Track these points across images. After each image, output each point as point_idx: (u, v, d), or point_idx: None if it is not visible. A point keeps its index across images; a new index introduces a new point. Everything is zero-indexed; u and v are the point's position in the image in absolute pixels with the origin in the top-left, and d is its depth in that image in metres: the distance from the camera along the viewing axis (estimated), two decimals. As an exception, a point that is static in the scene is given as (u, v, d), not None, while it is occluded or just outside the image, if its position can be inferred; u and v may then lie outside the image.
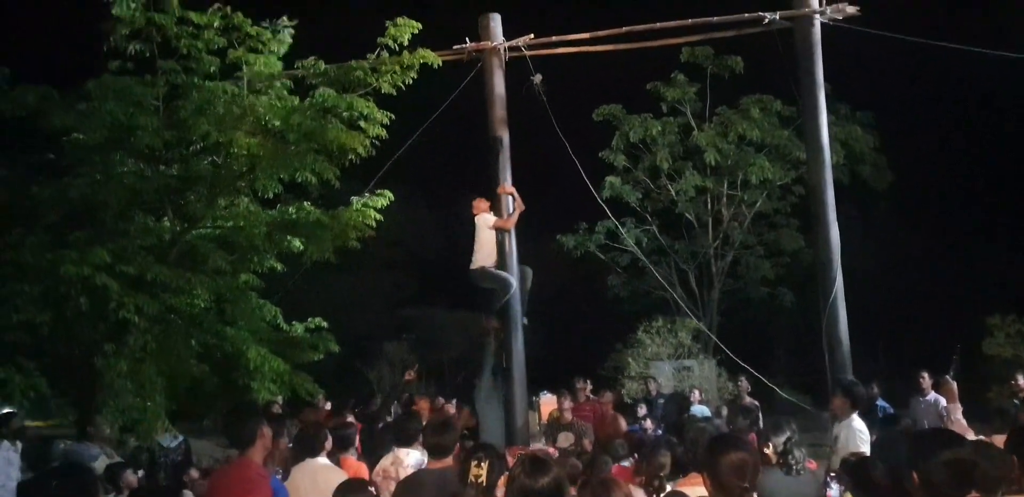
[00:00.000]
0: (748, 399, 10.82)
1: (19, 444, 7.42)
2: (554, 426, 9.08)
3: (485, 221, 8.64)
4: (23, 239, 8.38)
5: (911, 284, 20.31)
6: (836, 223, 8.31)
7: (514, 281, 8.50)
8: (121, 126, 8.68)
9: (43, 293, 8.14)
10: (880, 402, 9.12)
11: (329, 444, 5.49)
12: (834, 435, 5.75)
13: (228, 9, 9.03)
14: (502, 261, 8.62)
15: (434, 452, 4.75)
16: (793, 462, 4.44)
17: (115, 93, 8.62)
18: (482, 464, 3.90)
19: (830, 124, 8.69)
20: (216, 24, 9.02)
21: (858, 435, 5.42)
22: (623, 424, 9.70)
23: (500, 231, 8.63)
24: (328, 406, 10.48)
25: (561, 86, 9.45)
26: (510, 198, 8.84)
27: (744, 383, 11.21)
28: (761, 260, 20.05)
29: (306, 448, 5.40)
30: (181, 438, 8.97)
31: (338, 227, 9.35)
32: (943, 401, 7.77)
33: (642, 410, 10.49)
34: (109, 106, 8.56)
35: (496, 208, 8.79)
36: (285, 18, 9.27)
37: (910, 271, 20.54)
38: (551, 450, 7.64)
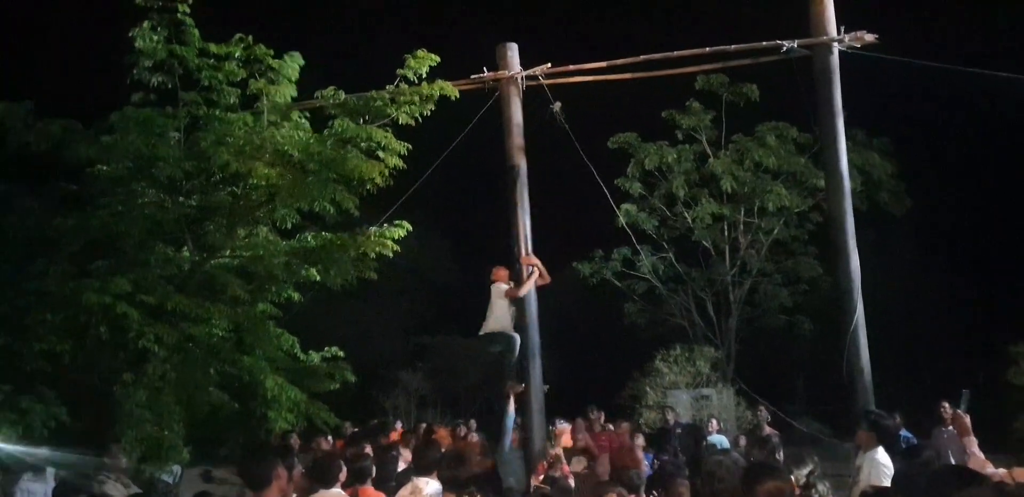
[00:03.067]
0: (768, 429, 10.68)
1: (49, 471, 7.39)
2: (569, 451, 9.03)
3: (499, 290, 8.60)
4: (46, 269, 8.48)
5: (932, 312, 20.10)
6: (856, 251, 8.26)
7: (516, 337, 8.44)
8: (143, 157, 8.80)
9: (64, 322, 8.21)
10: (904, 432, 9.00)
11: (344, 475, 5.45)
12: (857, 466, 5.66)
13: (250, 39, 9.18)
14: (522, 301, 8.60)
15: (449, 485, 4.73)
16: (817, 496, 4.37)
17: (137, 125, 8.75)
18: (474, 497, 3.90)
19: (847, 151, 8.68)
20: (237, 54, 9.17)
21: (882, 469, 5.31)
22: (640, 454, 9.63)
23: (512, 299, 8.58)
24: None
25: (577, 114, 9.52)
26: (529, 268, 8.73)
27: (764, 413, 11.09)
28: (779, 288, 19.93)
29: (320, 478, 5.35)
30: (179, 470, 8.95)
31: (356, 249, 9.35)
32: (963, 433, 7.63)
33: (639, 439, 10.23)
34: (131, 138, 8.69)
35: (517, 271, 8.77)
36: (298, 55, 9.41)
37: (931, 298, 20.34)
38: (568, 474, 7.58)
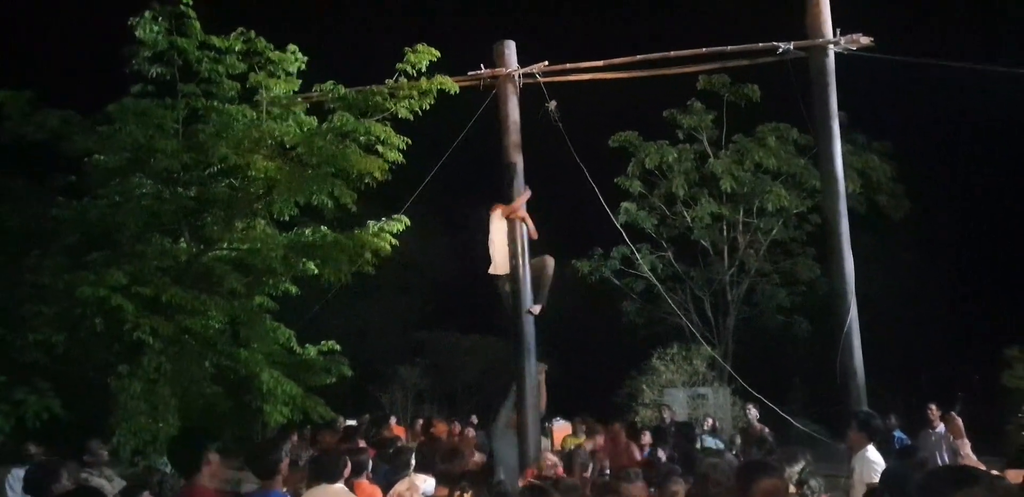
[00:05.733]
0: (758, 426, 10.65)
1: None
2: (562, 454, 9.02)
3: (496, 216, 8.62)
4: (42, 261, 8.47)
5: (929, 314, 20.11)
6: (851, 253, 8.25)
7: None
8: (141, 148, 8.79)
9: (60, 314, 8.20)
10: (898, 433, 9.02)
11: (348, 471, 5.40)
12: (851, 467, 5.68)
13: (252, 33, 9.17)
14: (516, 283, 8.60)
15: (442, 480, 4.73)
16: (810, 492, 4.37)
17: (136, 116, 8.75)
18: (465, 494, 3.91)
19: (847, 153, 8.68)
20: (238, 48, 9.16)
21: (873, 467, 5.34)
22: (636, 452, 9.63)
23: (512, 218, 8.58)
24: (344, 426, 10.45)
25: (576, 112, 9.48)
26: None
27: (753, 411, 11.02)
28: (777, 288, 19.93)
29: (323, 473, 5.29)
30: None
31: (354, 247, 9.37)
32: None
33: (646, 438, 10.27)
34: (130, 128, 8.68)
35: (510, 230, 8.77)
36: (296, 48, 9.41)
37: (928, 301, 20.35)
38: (562, 475, 7.57)
